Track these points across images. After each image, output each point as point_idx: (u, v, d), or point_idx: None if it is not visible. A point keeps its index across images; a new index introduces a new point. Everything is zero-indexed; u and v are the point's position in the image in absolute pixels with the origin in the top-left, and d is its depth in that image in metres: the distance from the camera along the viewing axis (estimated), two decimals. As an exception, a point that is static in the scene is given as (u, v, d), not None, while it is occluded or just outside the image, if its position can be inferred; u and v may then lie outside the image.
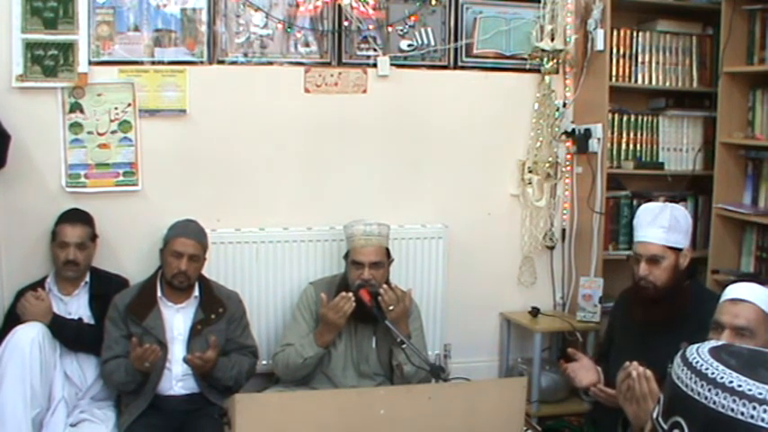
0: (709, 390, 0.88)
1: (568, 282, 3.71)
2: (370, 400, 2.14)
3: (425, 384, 2.69)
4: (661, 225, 2.39)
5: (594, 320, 3.45)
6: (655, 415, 0.98)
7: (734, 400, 0.86)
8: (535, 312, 3.56)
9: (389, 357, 2.94)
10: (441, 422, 2.12)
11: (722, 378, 0.88)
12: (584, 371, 2.52)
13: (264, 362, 3.18)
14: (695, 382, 0.91)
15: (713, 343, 0.99)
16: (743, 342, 1.81)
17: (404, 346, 2.72)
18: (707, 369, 0.91)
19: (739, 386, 0.86)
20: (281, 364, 2.90)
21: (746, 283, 1.93)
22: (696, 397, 0.90)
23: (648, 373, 1.90)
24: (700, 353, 0.95)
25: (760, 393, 0.85)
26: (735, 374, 0.88)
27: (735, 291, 1.92)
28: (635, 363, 1.97)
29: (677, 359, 0.97)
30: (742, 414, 0.85)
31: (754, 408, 0.84)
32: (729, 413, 0.86)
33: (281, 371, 2.92)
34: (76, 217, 2.94)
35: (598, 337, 3.39)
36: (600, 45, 3.42)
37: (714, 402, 0.87)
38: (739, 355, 0.94)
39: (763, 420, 0.83)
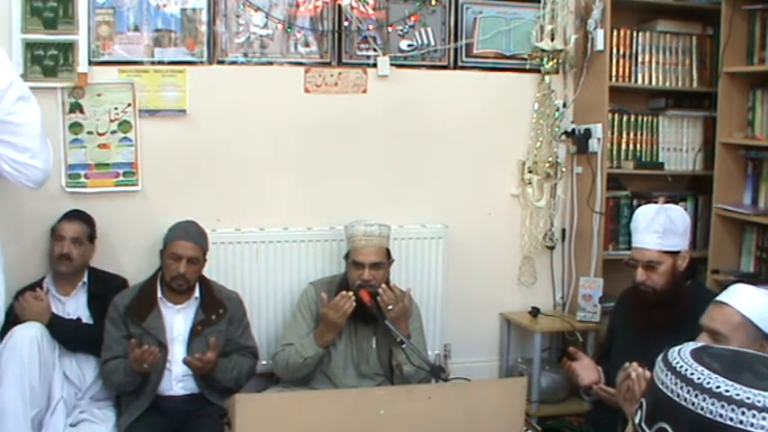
0: (696, 395, 0.87)
1: (568, 282, 3.71)
2: (370, 400, 2.13)
3: (425, 384, 2.69)
4: (655, 230, 2.40)
5: (594, 320, 3.45)
6: (637, 420, 0.96)
7: (722, 406, 0.85)
8: (535, 312, 3.56)
9: (389, 357, 2.94)
10: (441, 422, 2.12)
11: (709, 383, 0.87)
12: (586, 370, 2.54)
13: (264, 362, 3.18)
14: (681, 388, 0.90)
15: (693, 345, 0.98)
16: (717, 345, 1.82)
17: (404, 346, 2.72)
18: (692, 374, 0.90)
19: (726, 391, 0.85)
20: (281, 364, 2.90)
21: (744, 285, 1.93)
22: (682, 403, 0.89)
23: (648, 374, 1.90)
24: (682, 356, 0.94)
25: (748, 398, 0.84)
26: (720, 378, 0.87)
27: (724, 293, 1.93)
28: (634, 363, 1.98)
29: (659, 363, 0.96)
30: (731, 419, 0.84)
31: (743, 413, 0.84)
32: (717, 418, 0.85)
33: (281, 371, 2.92)
34: (76, 215, 2.96)
35: (598, 337, 3.39)
36: (600, 45, 3.42)
37: (702, 408, 0.86)
38: (721, 357, 0.93)
39: (751, 425, 0.83)
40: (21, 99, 2.16)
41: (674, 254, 2.42)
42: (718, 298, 1.93)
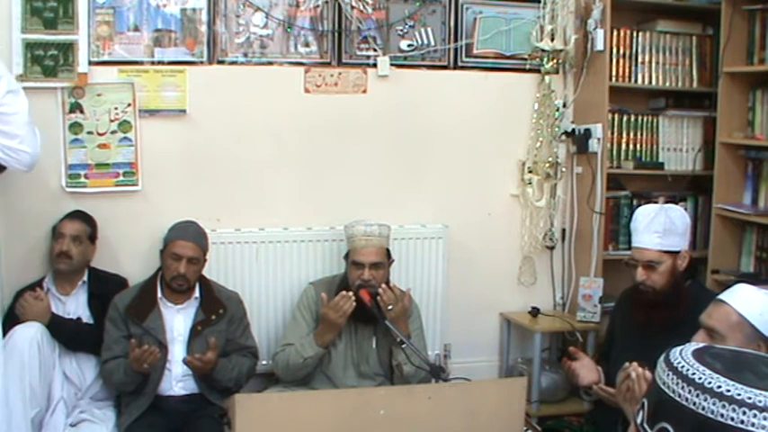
0: (697, 395, 0.87)
1: (568, 282, 3.71)
2: (370, 400, 2.13)
3: (425, 384, 2.69)
4: (656, 230, 2.40)
5: (594, 320, 3.45)
6: (639, 420, 0.96)
7: (723, 405, 0.85)
8: (535, 312, 3.56)
9: (389, 357, 2.94)
10: (441, 422, 2.12)
11: (710, 383, 0.87)
12: (586, 370, 2.54)
13: (264, 362, 3.18)
14: (682, 388, 0.90)
15: (695, 345, 0.98)
16: (713, 343, 1.83)
17: (404, 346, 2.72)
18: (693, 374, 0.90)
19: (728, 391, 0.86)
20: (281, 364, 2.90)
21: (746, 285, 1.93)
22: (684, 403, 0.89)
23: (648, 374, 1.91)
24: (683, 356, 0.94)
25: (749, 398, 0.84)
26: (722, 378, 0.87)
27: (726, 292, 1.93)
28: (634, 363, 1.98)
29: (661, 363, 0.96)
30: (732, 419, 0.84)
31: (744, 413, 0.84)
32: (719, 418, 0.85)
33: (281, 371, 2.92)
34: (77, 214, 2.98)
35: (598, 337, 3.39)
36: (600, 45, 3.42)
37: (703, 408, 0.86)
38: (723, 357, 0.93)
39: (752, 425, 0.83)
40: (10, 92, 2.35)
41: (674, 254, 2.42)
42: (718, 296, 1.93)
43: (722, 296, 1.92)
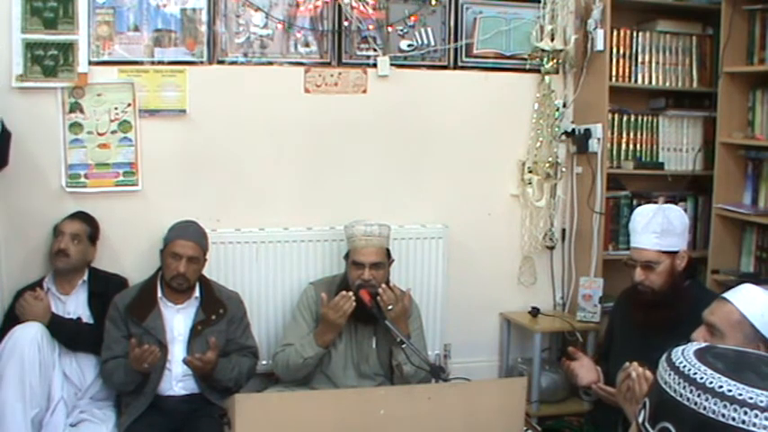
0: (699, 395, 0.87)
1: (568, 282, 3.71)
2: (370, 400, 2.14)
3: (425, 384, 2.69)
4: (654, 230, 2.40)
5: (594, 320, 3.45)
6: (641, 420, 0.96)
7: (724, 405, 0.85)
8: (535, 312, 3.56)
9: (389, 357, 2.94)
10: (441, 422, 2.12)
11: (711, 383, 0.87)
12: (585, 370, 2.55)
13: (264, 362, 3.18)
14: (683, 387, 0.90)
15: (697, 345, 0.98)
16: (713, 340, 1.83)
17: (404, 346, 2.72)
18: (695, 373, 0.90)
19: (729, 390, 0.85)
20: (281, 364, 2.90)
21: (751, 286, 1.92)
22: (685, 402, 0.89)
23: (648, 373, 1.91)
24: (685, 356, 0.94)
25: (750, 398, 0.84)
26: (723, 378, 0.87)
27: (731, 290, 1.93)
28: (635, 363, 1.98)
29: (662, 363, 0.96)
30: (733, 419, 0.84)
31: (746, 413, 0.83)
32: (720, 418, 0.85)
33: (282, 371, 2.92)
34: (78, 214, 2.98)
35: (598, 337, 3.39)
36: (600, 45, 3.42)
37: (704, 408, 0.86)
38: (725, 357, 0.93)
39: (754, 425, 0.83)
40: None
41: (673, 254, 2.42)
42: (723, 294, 1.93)
43: (726, 294, 1.92)
